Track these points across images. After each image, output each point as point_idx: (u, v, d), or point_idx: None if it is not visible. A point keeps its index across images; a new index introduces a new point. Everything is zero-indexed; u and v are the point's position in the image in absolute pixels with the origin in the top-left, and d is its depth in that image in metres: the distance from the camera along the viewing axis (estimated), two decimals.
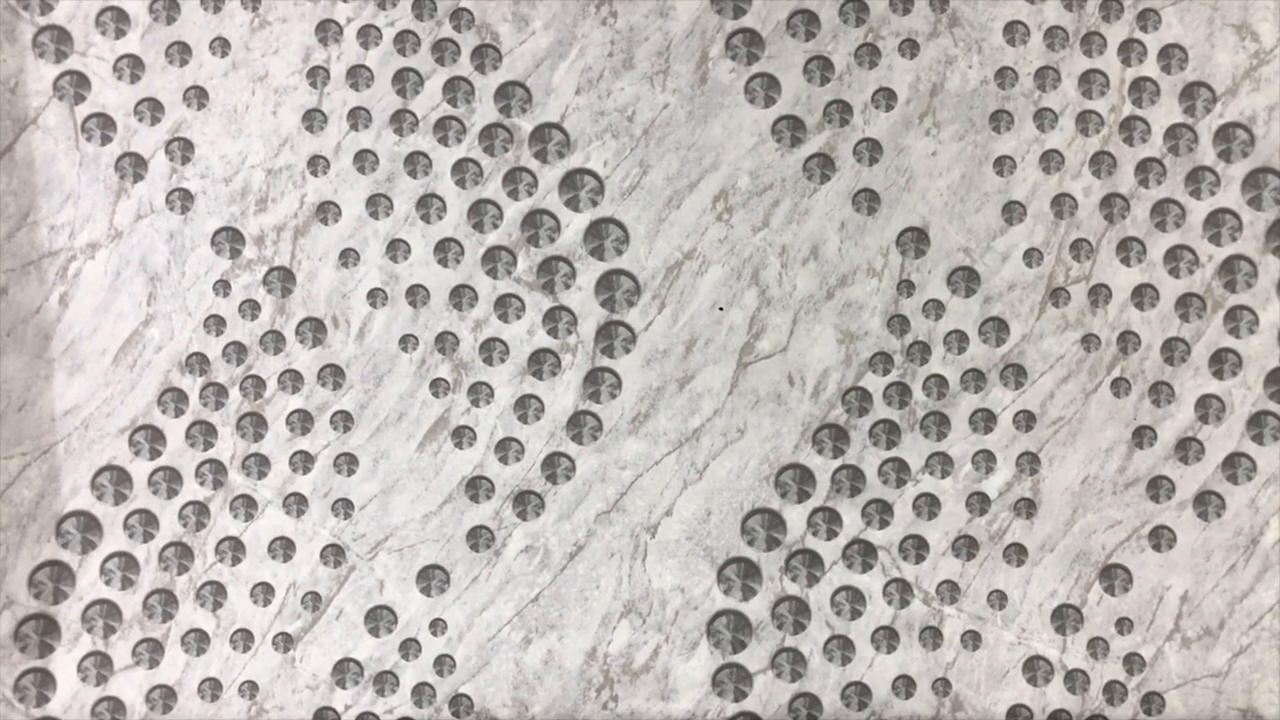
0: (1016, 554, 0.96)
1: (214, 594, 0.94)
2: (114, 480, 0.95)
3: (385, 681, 0.94)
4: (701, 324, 0.97)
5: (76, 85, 0.96)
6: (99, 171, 0.96)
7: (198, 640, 0.94)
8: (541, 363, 0.97)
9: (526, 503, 0.96)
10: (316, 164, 0.96)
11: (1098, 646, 0.95)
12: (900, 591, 0.96)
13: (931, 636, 0.95)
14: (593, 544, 0.96)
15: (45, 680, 0.93)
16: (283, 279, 0.96)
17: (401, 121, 0.96)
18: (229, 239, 0.96)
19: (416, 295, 0.96)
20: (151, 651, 0.94)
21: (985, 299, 0.97)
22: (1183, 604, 0.96)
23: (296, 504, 0.95)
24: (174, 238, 0.96)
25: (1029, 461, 0.96)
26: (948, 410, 0.96)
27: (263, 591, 0.95)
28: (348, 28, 0.96)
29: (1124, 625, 0.95)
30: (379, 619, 0.95)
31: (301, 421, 0.95)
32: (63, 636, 0.94)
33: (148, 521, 0.95)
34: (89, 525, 0.94)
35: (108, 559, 0.94)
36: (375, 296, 0.96)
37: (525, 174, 0.97)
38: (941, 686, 0.95)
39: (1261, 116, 0.97)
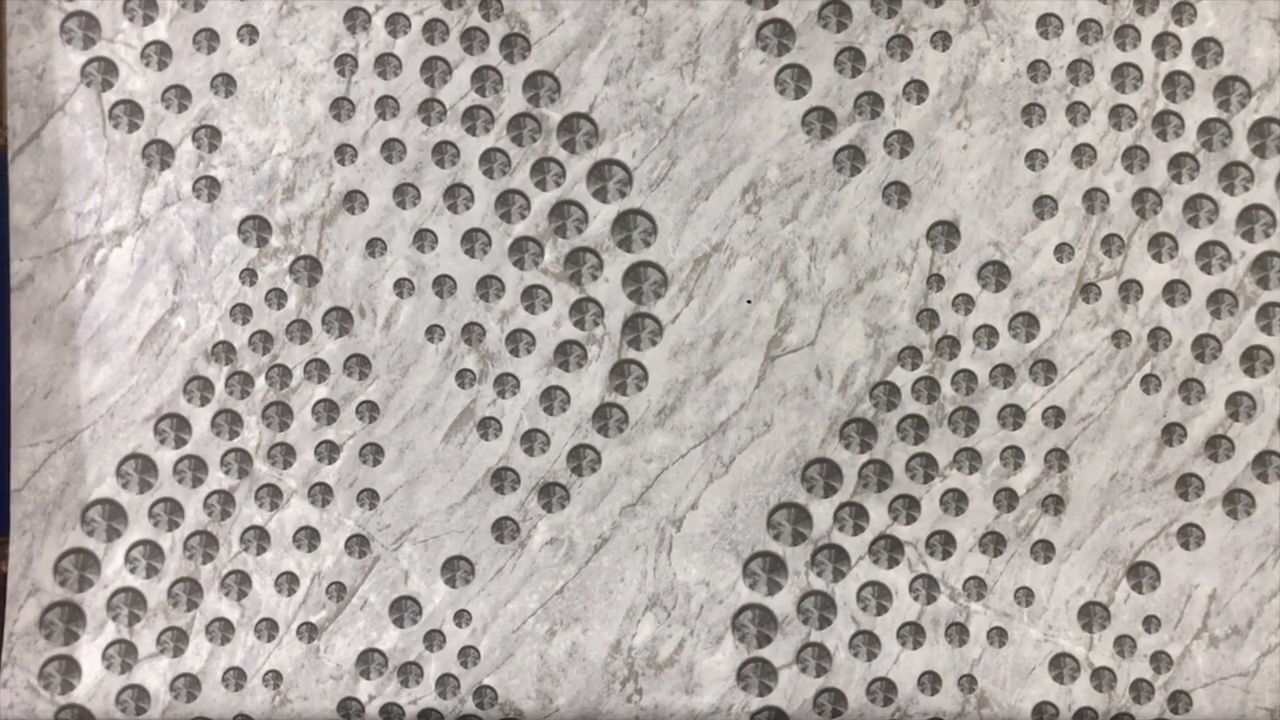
0: (1044, 551, 0.95)
1: (238, 583, 0.94)
2: (139, 468, 0.95)
3: (409, 672, 0.94)
4: (729, 317, 0.96)
5: (104, 72, 0.95)
6: (126, 159, 0.95)
7: (222, 629, 0.94)
8: (568, 354, 0.96)
9: (551, 495, 0.96)
10: (344, 153, 0.96)
11: (1125, 644, 0.95)
12: (926, 587, 0.95)
13: (958, 633, 0.95)
14: (618, 537, 0.95)
15: (70, 667, 0.93)
16: (309, 268, 0.96)
17: (429, 111, 0.96)
18: (255, 227, 0.96)
19: (443, 285, 0.96)
20: (176, 640, 0.94)
21: (1015, 294, 0.96)
22: (1211, 602, 0.95)
23: (321, 494, 0.95)
24: (200, 226, 0.95)
25: (1057, 458, 0.95)
26: (976, 406, 0.96)
27: (287, 581, 0.94)
28: (376, 15, 0.96)
29: (1151, 623, 0.95)
30: (403, 610, 0.95)
31: (327, 411, 0.95)
32: (88, 624, 0.94)
33: (173, 510, 0.94)
34: (114, 513, 0.94)
35: (133, 547, 0.94)
36: (402, 286, 0.96)
37: (553, 164, 0.96)
38: (967, 683, 0.94)
39: None
